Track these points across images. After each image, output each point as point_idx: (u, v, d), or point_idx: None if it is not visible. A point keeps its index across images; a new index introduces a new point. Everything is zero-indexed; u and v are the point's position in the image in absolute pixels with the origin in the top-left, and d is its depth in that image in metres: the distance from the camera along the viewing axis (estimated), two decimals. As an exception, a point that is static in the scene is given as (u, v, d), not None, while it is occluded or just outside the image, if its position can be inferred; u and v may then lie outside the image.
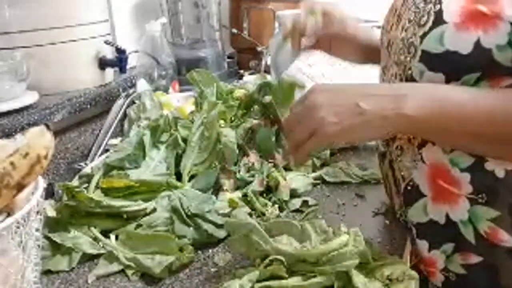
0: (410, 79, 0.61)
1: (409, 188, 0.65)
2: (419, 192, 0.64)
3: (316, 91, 0.60)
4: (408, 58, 0.61)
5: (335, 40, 0.82)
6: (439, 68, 0.57)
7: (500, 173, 0.58)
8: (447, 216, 0.62)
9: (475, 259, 0.62)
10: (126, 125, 1.08)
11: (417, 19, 0.61)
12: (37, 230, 0.52)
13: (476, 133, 0.56)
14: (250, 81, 1.02)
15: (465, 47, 0.55)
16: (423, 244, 0.66)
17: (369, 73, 1.00)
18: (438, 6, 0.58)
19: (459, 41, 0.55)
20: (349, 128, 0.57)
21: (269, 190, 0.82)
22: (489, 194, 0.59)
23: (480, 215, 0.60)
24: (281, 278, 0.56)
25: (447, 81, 0.57)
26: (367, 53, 0.81)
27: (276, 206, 0.78)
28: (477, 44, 0.54)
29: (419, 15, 0.61)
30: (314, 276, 0.55)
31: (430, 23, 0.58)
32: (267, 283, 0.55)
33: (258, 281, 0.56)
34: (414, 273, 0.58)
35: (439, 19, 0.57)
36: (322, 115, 0.58)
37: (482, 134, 0.56)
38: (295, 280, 0.55)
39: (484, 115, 0.55)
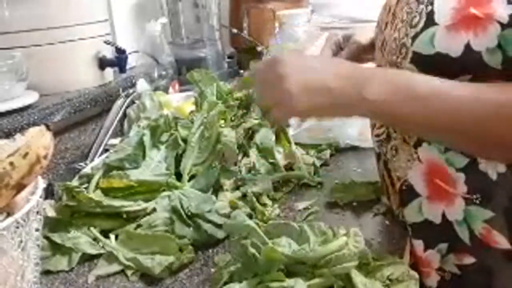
0: None
1: (404, 188, 0.65)
2: (414, 192, 0.64)
3: (285, 61, 0.61)
4: (400, 59, 0.61)
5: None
6: (430, 69, 0.57)
7: (493, 175, 0.58)
8: (443, 215, 0.62)
9: (469, 259, 0.62)
10: (126, 125, 1.08)
11: (409, 20, 0.60)
12: (37, 230, 0.52)
13: (439, 126, 0.56)
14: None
15: (455, 50, 0.55)
16: (418, 244, 0.66)
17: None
18: (430, 7, 0.58)
19: (449, 43, 0.55)
20: (317, 107, 0.60)
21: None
22: (483, 195, 0.59)
23: (475, 215, 0.60)
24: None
25: None
26: None
27: (276, 206, 0.78)
28: (467, 47, 0.54)
29: (411, 16, 0.60)
30: (314, 278, 0.55)
31: (421, 24, 0.58)
32: (267, 284, 0.55)
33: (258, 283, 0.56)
34: (414, 273, 0.58)
35: (430, 21, 0.57)
36: (288, 87, 0.59)
37: (447, 128, 0.56)
38: (295, 281, 0.55)
39: (450, 110, 0.55)
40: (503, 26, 0.52)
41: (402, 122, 0.59)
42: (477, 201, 0.59)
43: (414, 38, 0.58)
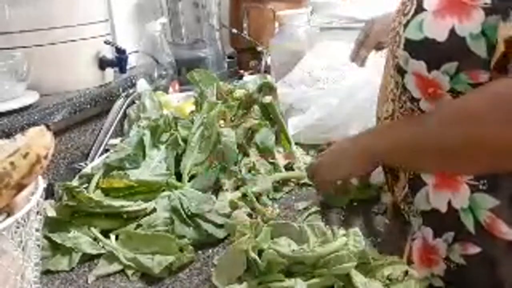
0: (398, 68, 0.62)
1: (411, 177, 0.66)
2: (422, 180, 0.65)
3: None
4: (394, 47, 0.63)
5: None
6: (420, 55, 0.59)
7: None
8: (449, 203, 0.62)
9: (474, 249, 0.62)
10: (126, 125, 1.08)
11: (403, 9, 0.62)
12: (37, 230, 0.52)
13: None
14: (250, 81, 1.02)
15: (441, 34, 0.56)
16: (428, 231, 0.66)
17: (363, 73, 1.01)
18: None
19: (436, 28, 0.57)
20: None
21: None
22: (490, 181, 0.59)
23: (480, 203, 0.60)
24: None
25: (429, 69, 0.58)
26: None
27: (276, 206, 0.78)
28: (452, 31, 0.55)
29: (405, 5, 0.62)
30: (314, 277, 0.55)
31: (412, 12, 0.60)
32: (267, 284, 0.56)
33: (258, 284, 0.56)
34: (414, 273, 0.58)
35: (420, 7, 0.59)
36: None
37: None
38: (295, 281, 0.55)
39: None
40: (487, 12, 0.53)
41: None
42: (484, 188, 0.59)
43: (405, 25, 0.60)
